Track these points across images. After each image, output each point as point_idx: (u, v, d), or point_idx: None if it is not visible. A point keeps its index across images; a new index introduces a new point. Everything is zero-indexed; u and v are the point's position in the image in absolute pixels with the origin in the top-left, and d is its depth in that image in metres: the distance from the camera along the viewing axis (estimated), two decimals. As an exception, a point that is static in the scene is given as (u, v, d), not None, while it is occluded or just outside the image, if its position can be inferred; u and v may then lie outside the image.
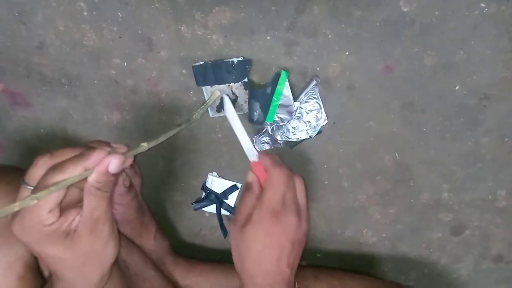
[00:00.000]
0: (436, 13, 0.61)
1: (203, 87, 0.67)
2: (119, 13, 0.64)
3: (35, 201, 0.44)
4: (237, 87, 0.67)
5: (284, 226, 0.58)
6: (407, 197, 0.77)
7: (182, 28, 0.64)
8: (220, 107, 0.69)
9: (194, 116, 0.66)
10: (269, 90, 0.66)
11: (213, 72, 0.65)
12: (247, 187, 0.63)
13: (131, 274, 0.69)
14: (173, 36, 0.65)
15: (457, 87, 0.66)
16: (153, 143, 0.56)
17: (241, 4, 0.62)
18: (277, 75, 0.65)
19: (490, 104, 0.67)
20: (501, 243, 0.82)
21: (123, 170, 0.55)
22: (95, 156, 0.47)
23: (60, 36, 0.66)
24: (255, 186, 0.62)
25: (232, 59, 0.65)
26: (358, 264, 0.85)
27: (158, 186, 0.79)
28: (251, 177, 0.63)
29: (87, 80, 0.69)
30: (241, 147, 0.64)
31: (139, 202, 0.74)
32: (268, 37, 0.64)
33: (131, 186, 0.69)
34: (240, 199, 0.62)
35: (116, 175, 0.50)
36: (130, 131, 0.73)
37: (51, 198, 0.45)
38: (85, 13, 0.64)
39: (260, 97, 0.67)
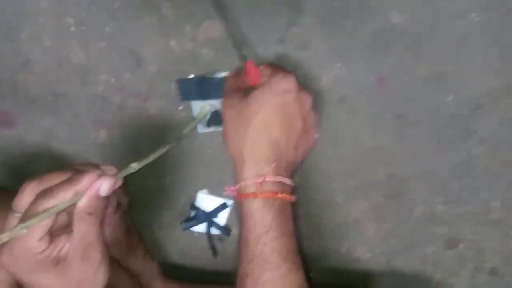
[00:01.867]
0: (427, 24, 0.61)
1: (192, 102, 0.66)
2: (106, 28, 0.63)
3: (25, 230, 0.42)
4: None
5: (301, 96, 0.54)
6: (400, 211, 0.77)
7: (171, 42, 0.63)
8: (210, 122, 0.68)
9: (184, 132, 0.65)
10: None
11: (196, 87, 0.64)
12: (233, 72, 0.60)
13: (120, 297, 0.66)
14: (162, 51, 0.64)
15: (449, 98, 0.66)
16: (144, 163, 0.55)
17: (232, 17, 0.61)
18: None
19: (482, 114, 0.67)
20: (495, 256, 0.82)
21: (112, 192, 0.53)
22: (86, 180, 0.45)
23: (46, 52, 0.65)
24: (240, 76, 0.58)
25: (217, 75, 0.64)
26: (353, 281, 0.83)
27: (145, 206, 0.78)
28: (234, 71, 0.60)
29: (73, 97, 0.68)
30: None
31: (126, 222, 0.72)
32: (259, 50, 0.63)
33: (118, 206, 0.67)
34: (227, 80, 0.60)
35: (107, 198, 0.48)
36: (117, 148, 0.72)
37: (41, 226, 0.43)
38: (72, 29, 0.63)
39: None
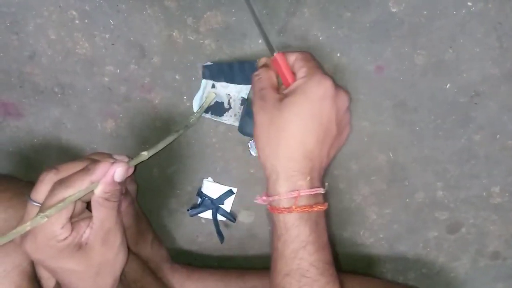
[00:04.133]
0: (425, 12, 0.61)
1: (201, 85, 0.67)
2: (111, 21, 0.64)
3: (46, 219, 0.44)
4: (234, 99, 0.68)
5: (338, 97, 0.50)
6: (402, 197, 0.78)
7: (174, 33, 0.64)
8: (209, 109, 0.69)
9: (191, 121, 0.66)
10: None
11: (222, 70, 0.65)
12: (263, 66, 0.56)
13: (128, 282, 0.68)
14: (165, 42, 0.65)
15: (447, 85, 0.67)
16: (153, 151, 0.57)
17: (233, 8, 0.62)
18: None
19: (480, 101, 0.68)
20: (497, 240, 0.83)
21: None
22: (101, 169, 0.47)
23: (52, 45, 0.66)
24: (270, 67, 0.55)
25: (248, 61, 0.64)
26: (356, 265, 0.85)
27: (153, 193, 0.79)
28: (265, 60, 0.56)
29: (80, 88, 0.69)
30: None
31: (135, 209, 0.74)
32: (260, 41, 0.64)
33: (126, 193, 0.69)
34: (257, 77, 0.55)
35: (122, 184, 0.50)
36: (124, 138, 0.73)
37: (63, 214, 0.46)
38: (77, 22, 0.64)
39: (252, 114, 0.67)
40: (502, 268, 0.86)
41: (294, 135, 0.48)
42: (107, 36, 0.65)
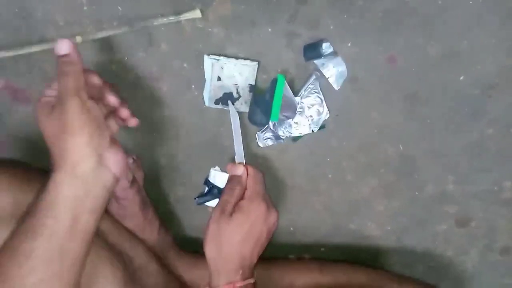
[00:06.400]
0: (439, 2, 0.60)
1: (209, 81, 0.67)
2: (119, 7, 0.63)
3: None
4: (243, 88, 0.68)
5: (269, 218, 0.64)
6: (411, 190, 0.77)
7: (182, 21, 0.64)
8: (219, 101, 0.69)
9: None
10: (267, 96, 0.67)
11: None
12: (235, 180, 0.65)
13: (135, 268, 0.69)
14: (173, 30, 0.64)
15: (461, 77, 0.65)
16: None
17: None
18: (275, 81, 0.66)
19: (494, 94, 0.66)
20: (507, 235, 0.82)
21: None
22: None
23: (60, 31, 0.66)
24: (244, 178, 0.65)
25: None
26: (363, 257, 0.84)
27: (161, 181, 0.79)
28: (241, 171, 0.66)
29: (88, 75, 0.69)
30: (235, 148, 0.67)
31: (142, 196, 0.74)
32: (269, 29, 0.63)
33: (133, 181, 0.69)
34: (227, 190, 0.65)
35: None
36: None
37: None
38: (85, 8, 0.64)
39: (260, 103, 0.68)
40: (511, 264, 0.85)
41: (234, 245, 0.61)
42: (115, 23, 0.64)
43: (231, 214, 0.62)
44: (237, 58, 0.66)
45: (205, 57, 0.66)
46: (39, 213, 0.49)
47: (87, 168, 0.51)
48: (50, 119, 0.51)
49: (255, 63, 0.66)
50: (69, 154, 0.50)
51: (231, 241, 0.61)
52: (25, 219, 0.50)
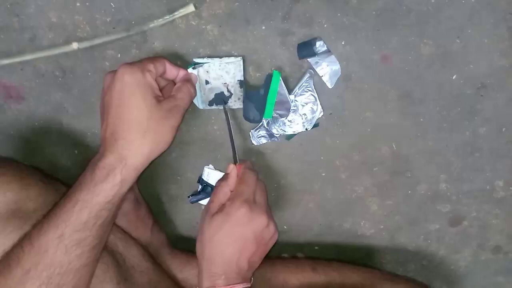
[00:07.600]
0: (433, 1, 0.60)
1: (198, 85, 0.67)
2: (112, 4, 0.63)
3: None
4: (233, 85, 0.67)
5: (253, 222, 0.60)
6: (404, 188, 0.77)
7: (176, 18, 0.63)
8: (212, 102, 0.68)
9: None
10: (262, 91, 0.66)
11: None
12: (224, 178, 0.65)
13: (128, 267, 0.68)
14: (167, 27, 0.64)
15: (454, 77, 0.65)
16: None
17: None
18: (270, 76, 0.65)
19: (487, 94, 0.67)
20: (499, 234, 0.82)
21: None
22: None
23: (53, 28, 0.65)
24: (232, 179, 0.64)
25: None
26: (356, 256, 0.85)
27: (154, 179, 0.79)
28: (230, 169, 0.64)
29: (81, 72, 0.68)
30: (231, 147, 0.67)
31: (135, 194, 0.74)
32: (264, 27, 0.63)
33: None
34: (215, 189, 0.64)
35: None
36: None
37: None
38: (78, 4, 0.63)
39: (254, 99, 0.67)
40: (503, 263, 0.86)
41: (214, 247, 0.60)
42: (108, 19, 0.64)
43: (213, 215, 0.61)
44: (221, 57, 0.65)
45: (190, 69, 0.65)
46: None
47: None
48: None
49: (239, 58, 0.65)
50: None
51: (212, 243, 0.60)
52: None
